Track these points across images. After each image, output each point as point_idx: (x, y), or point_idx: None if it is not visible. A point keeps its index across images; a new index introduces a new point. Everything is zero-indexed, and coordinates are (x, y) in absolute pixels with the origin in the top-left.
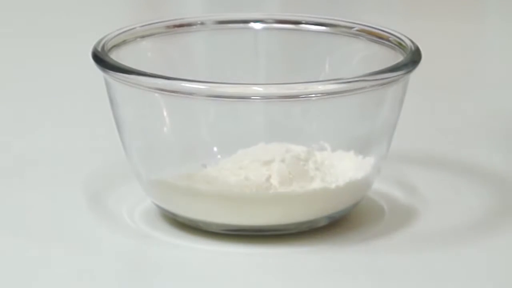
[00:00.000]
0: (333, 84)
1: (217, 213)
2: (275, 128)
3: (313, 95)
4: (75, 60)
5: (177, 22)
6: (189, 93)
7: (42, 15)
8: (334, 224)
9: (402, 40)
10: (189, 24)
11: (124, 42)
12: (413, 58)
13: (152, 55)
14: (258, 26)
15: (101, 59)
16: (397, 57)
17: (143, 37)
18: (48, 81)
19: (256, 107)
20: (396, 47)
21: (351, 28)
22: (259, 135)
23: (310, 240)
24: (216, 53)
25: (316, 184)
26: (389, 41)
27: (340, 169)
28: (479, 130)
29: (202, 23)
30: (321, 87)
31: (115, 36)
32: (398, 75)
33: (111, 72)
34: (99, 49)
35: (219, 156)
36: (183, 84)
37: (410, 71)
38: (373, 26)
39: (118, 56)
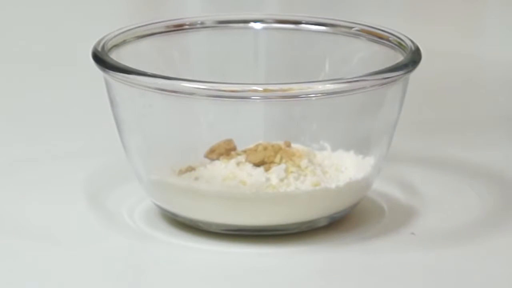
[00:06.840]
0: (333, 84)
1: (217, 213)
2: (275, 128)
3: (313, 95)
4: (75, 60)
5: (177, 22)
6: (189, 93)
7: (42, 15)
8: (334, 224)
9: (402, 40)
10: (189, 24)
11: (124, 42)
12: (413, 58)
13: (152, 55)
14: (258, 26)
15: (101, 59)
16: (397, 57)
17: (143, 37)
18: (48, 81)
19: (256, 107)
20: (396, 47)
21: (351, 28)
22: (259, 135)
23: (310, 240)
24: (216, 53)
25: (316, 184)
26: (389, 41)
27: (340, 169)
28: (479, 129)
29: (202, 23)
30: (321, 87)
31: (115, 36)
32: (398, 75)
33: (111, 72)
34: (99, 49)
35: None
36: (183, 84)
37: (410, 71)
38: (373, 26)
39: (118, 56)
